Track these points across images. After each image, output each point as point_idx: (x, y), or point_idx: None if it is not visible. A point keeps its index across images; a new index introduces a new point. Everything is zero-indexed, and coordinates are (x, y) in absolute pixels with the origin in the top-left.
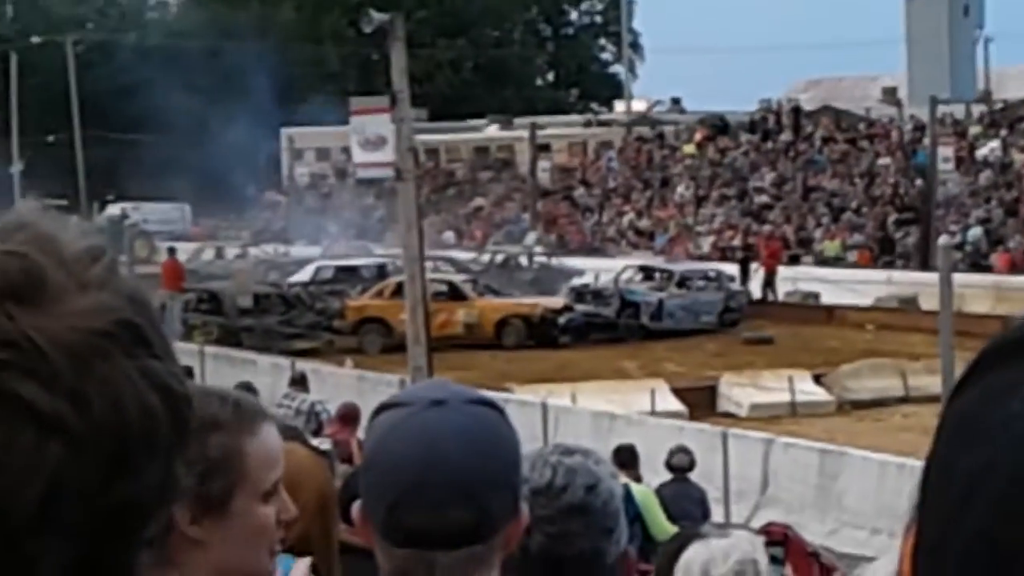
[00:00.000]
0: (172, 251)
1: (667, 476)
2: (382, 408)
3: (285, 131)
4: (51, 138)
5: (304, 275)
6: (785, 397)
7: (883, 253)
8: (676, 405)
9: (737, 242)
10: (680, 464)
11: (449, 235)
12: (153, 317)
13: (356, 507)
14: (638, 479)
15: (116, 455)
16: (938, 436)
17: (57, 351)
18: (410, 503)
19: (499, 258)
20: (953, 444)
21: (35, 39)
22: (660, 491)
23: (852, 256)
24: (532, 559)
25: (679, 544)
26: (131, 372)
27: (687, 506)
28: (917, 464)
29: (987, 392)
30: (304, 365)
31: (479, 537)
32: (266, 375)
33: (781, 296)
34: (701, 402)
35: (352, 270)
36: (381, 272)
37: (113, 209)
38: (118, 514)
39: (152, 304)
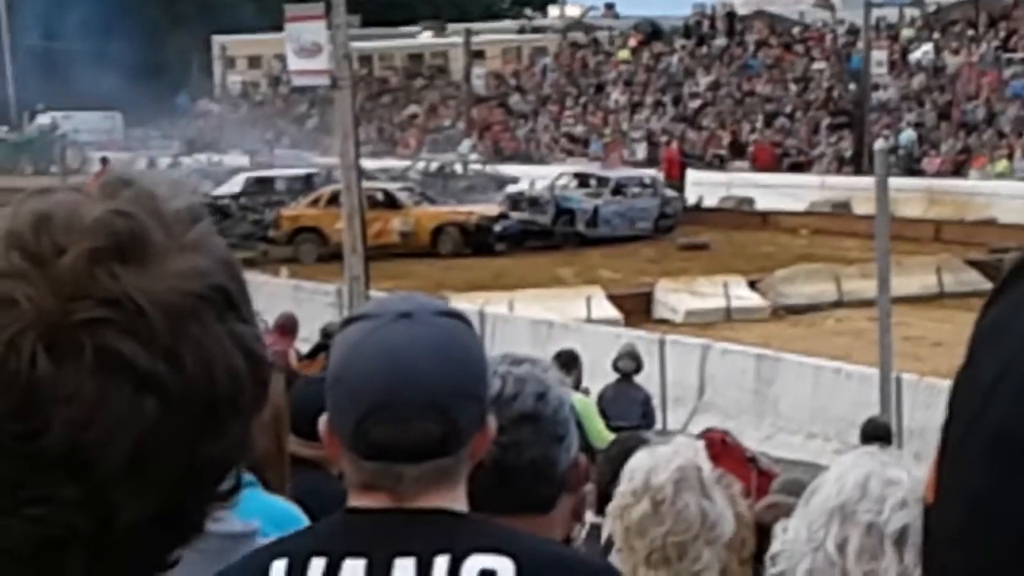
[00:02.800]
0: (104, 161)
1: (604, 383)
2: (349, 321)
3: (217, 39)
4: None
5: (234, 186)
6: (720, 303)
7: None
8: (612, 312)
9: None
10: (626, 369)
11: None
12: (242, 281)
13: (323, 420)
14: (579, 382)
15: (204, 414)
16: (967, 351)
17: (156, 311)
18: (378, 416)
19: (433, 166)
20: (978, 353)
21: None
22: (603, 392)
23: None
24: (483, 469)
25: (623, 451)
26: (221, 335)
27: (626, 407)
28: (851, 368)
29: (1011, 303)
30: None
31: (446, 449)
32: None
33: (714, 202)
34: (637, 308)
35: (283, 180)
36: (308, 182)
37: (43, 119)
38: (200, 470)
39: (240, 268)
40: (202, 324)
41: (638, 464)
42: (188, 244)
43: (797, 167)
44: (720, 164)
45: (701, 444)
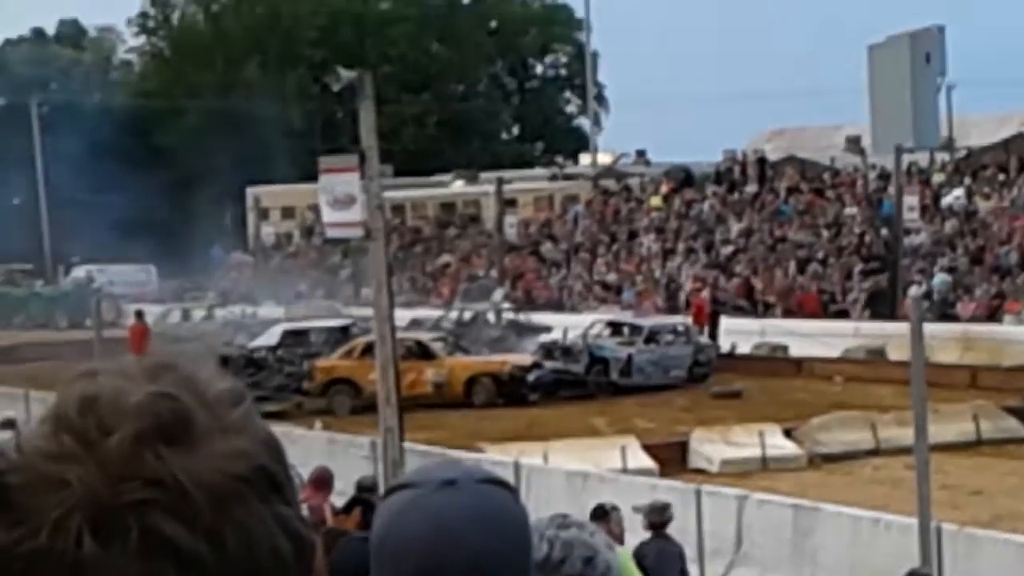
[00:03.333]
0: (139, 314)
1: (639, 531)
2: (392, 489)
3: (251, 190)
4: (16, 200)
5: (271, 338)
6: (756, 452)
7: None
8: (647, 462)
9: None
10: (662, 520)
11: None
12: (285, 463)
13: None
14: (611, 533)
15: None
16: None
17: (200, 492)
18: None
19: (467, 315)
20: None
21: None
22: (643, 548)
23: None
24: None
25: None
26: (265, 517)
27: (667, 564)
28: (890, 518)
29: None
30: (273, 429)
31: None
32: None
33: (748, 349)
34: (672, 458)
35: (319, 332)
36: (344, 332)
37: (78, 272)
38: None
39: (283, 450)
40: (246, 506)
41: None
42: (231, 426)
43: (842, 314)
44: (765, 310)
45: None
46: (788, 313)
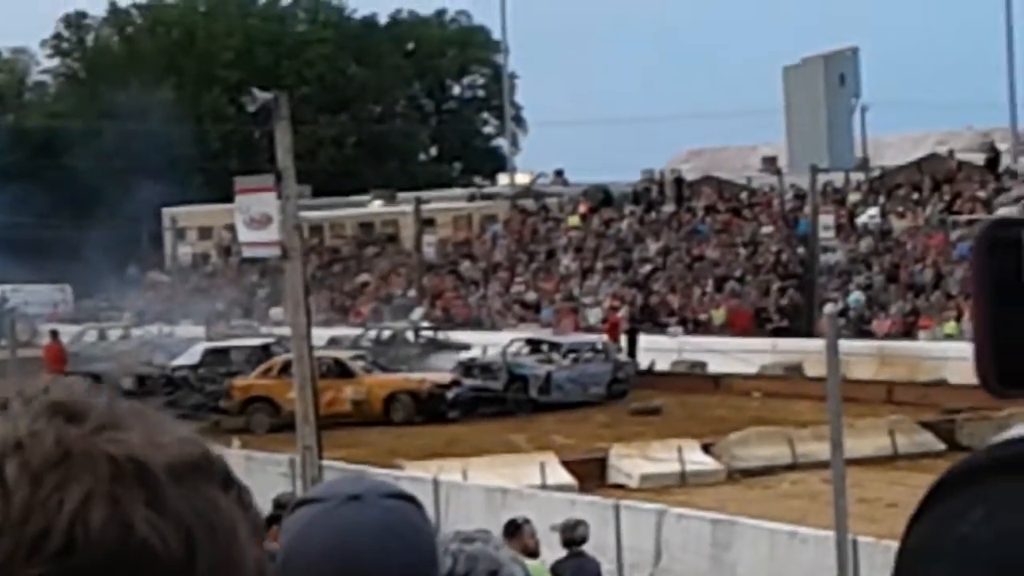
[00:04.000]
0: (54, 334)
1: (557, 549)
2: (299, 504)
3: (167, 210)
4: None
5: (192, 357)
6: (675, 467)
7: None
8: (566, 478)
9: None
10: (582, 537)
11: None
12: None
13: None
14: (525, 547)
15: None
16: (897, 568)
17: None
18: None
19: (385, 334)
20: (910, 571)
21: None
22: (560, 566)
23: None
24: None
25: None
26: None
27: None
28: (807, 531)
29: (938, 521)
30: None
31: None
32: None
33: (665, 366)
34: (591, 474)
35: (240, 350)
36: (265, 351)
37: None
38: None
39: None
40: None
41: None
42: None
43: (780, 332)
44: (696, 328)
45: None
46: (721, 330)
